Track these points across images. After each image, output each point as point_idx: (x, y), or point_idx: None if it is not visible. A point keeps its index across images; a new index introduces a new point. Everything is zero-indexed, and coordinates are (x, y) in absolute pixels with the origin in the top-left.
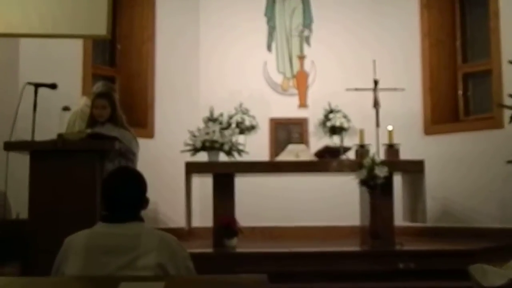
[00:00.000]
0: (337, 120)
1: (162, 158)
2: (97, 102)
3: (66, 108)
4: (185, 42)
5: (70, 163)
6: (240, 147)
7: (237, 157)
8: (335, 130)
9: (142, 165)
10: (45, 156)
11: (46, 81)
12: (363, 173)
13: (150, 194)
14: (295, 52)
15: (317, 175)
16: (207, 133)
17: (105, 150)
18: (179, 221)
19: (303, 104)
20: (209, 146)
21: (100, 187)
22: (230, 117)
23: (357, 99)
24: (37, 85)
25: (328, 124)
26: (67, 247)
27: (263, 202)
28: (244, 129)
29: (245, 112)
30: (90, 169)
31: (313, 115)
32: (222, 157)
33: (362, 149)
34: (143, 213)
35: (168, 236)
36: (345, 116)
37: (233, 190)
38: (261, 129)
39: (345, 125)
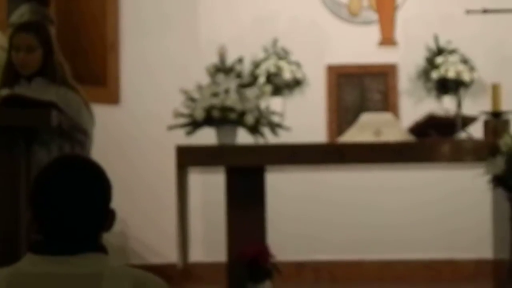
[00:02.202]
0: (450, 68)
1: (133, 140)
2: (18, 40)
3: None
4: None
5: None
6: (275, 119)
7: (269, 137)
8: (447, 86)
9: (101, 152)
10: None
11: None
12: (498, 164)
13: (117, 204)
14: None
15: (414, 168)
16: (215, 94)
17: (35, 127)
18: (167, 254)
19: (388, 40)
20: (219, 117)
21: (27, 193)
22: (256, 65)
23: (487, 30)
24: None
25: (434, 75)
26: None
27: (316, 220)
28: (281, 87)
29: (284, 55)
30: (8, 161)
31: (406, 58)
32: (243, 137)
33: (496, 121)
34: (106, 237)
35: (148, 277)
36: (465, 61)
37: (262, 197)
38: (312, 85)
39: (466, 76)
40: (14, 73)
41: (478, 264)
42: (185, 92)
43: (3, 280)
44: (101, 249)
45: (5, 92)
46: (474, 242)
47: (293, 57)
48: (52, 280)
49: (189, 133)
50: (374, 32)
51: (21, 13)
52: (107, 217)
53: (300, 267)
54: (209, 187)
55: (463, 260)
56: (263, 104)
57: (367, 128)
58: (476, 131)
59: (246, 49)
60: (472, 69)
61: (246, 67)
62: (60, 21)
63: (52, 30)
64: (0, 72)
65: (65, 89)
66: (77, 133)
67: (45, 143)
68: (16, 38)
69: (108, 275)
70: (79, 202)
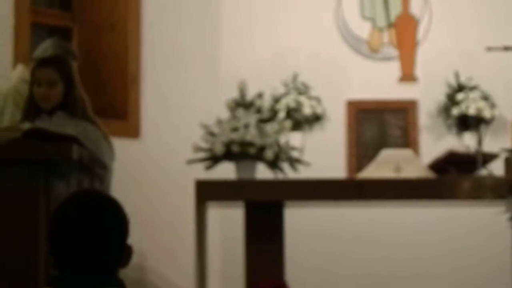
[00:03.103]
0: (470, 105)
1: (153, 174)
2: (40, 74)
3: None
4: None
5: None
6: (295, 154)
7: (288, 173)
8: (468, 123)
9: (120, 186)
10: None
11: None
12: None
13: (134, 239)
14: None
15: (434, 206)
16: (235, 129)
17: (55, 160)
18: None
19: (408, 76)
20: (239, 151)
21: (45, 227)
22: (276, 100)
23: (508, 67)
24: None
25: (455, 111)
26: None
27: (336, 256)
28: (301, 122)
29: (304, 90)
30: (28, 194)
31: (426, 95)
32: (262, 172)
33: None
34: (124, 271)
35: None
36: (486, 98)
37: (281, 233)
38: (331, 121)
39: (486, 113)
40: (35, 107)
41: None
42: (205, 127)
43: None
44: (119, 284)
45: (26, 125)
46: (493, 279)
47: (313, 92)
48: None
49: (208, 167)
50: (394, 68)
51: (45, 48)
52: (124, 253)
53: None
54: (228, 222)
55: None
56: (282, 139)
57: (387, 164)
58: (497, 168)
59: (266, 84)
60: (493, 106)
61: (266, 102)
62: (82, 55)
63: (75, 65)
64: (22, 105)
65: (85, 123)
66: (97, 167)
67: (64, 177)
68: (37, 72)
69: None
70: (96, 238)
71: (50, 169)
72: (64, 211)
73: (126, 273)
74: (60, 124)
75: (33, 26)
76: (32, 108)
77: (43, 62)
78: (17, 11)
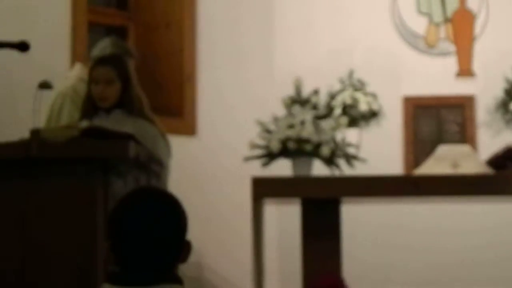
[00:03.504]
0: None
1: (209, 171)
2: (97, 73)
3: (45, 85)
4: None
5: (51, 180)
6: (351, 151)
7: (345, 169)
8: None
9: (177, 183)
10: (10, 169)
11: (11, 38)
12: None
13: (191, 237)
14: None
15: (493, 202)
16: (291, 126)
17: (112, 158)
18: (243, 285)
19: (465, 71)
20: (295, 148)
21: (104, 223)
22: (332, 97)
23: None
24: None
25: None
26: None
27: (394, 253)
28: (357, 118)
29: (360, 87)
30: (86, 192)
31: (484, 90)
32: (318, 169)
33: None
34: (181, 268)
35: None
36: None
37: (338, 229)
38: (388, 117)
39: None
40: (93, 105)
41: None
42: (261, 124)
43: None
44: (177, 280)
45: (84, 124)
46: None
47: (369, 89)
48: None
49: (265, 164)
50: (451, 64)
51: (103, 47)
52: (183, 249)
53: None
54: (285, 219)
55: None
56: (339, 136)
57: (444, 160)
58: None
59: (322, 81)
60: None
61: (322, 99)
62: (138, 53)
63: (132, 63)
64: (80, 104)
65: (142, 121)
66: (154, 164)
67: (121, 174)
68: (95, 71)
69: None
70: (155, 234)
71: (108, 167)
72: (123, 209)
73: (183, 271)
74: (117, 122)
75: (91, 26)
76: (90, 106)
77: (100, 61)
78: (74, 11)
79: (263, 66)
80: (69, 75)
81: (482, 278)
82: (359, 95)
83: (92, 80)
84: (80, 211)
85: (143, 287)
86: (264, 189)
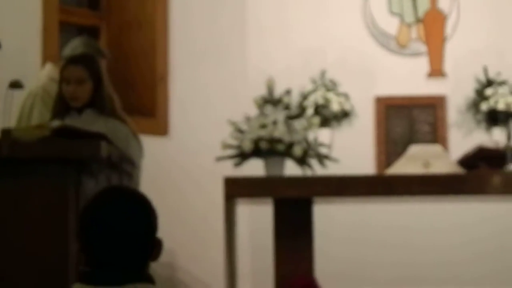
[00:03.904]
0: (500, 100)
1: (181, 171)
2: (69, 72)
3: (15, 85)
4: None
5: (23, 181)
6: (323, 151)
7: (317, 169)
8: (497, 118)
9: (148, 184)
10: None
11: None
12: None
13: (164, 235)
14: None
15: (464, 201)
16: (263, 126)
17: (84, 158)
18: (215, 285)
19: (437, 71)
20: (267, 148)
21: (76, 224)
22: (305, 97)
23: None
24: None
25: (484, 106)
26: None
27: (365, 253)
28: (329, 118)
29: (332, 87)
30: (58, 192)
31: (455, 90)
32: (291, 169)
33: None
34: (153, 268)
35: None
36: None
37: (310, 230)
38: (360, 117)
39: None
40: (64, 105)
41: None
42: (233, 124)
43: None
44: (149, 279)
45: (56, 123)
46: None
47: (341, 89)
48: None
49: (237, 164)
50: (422, 64)
51: (73, 47)
52: (154, 247)
53: None
54: (257, 219)
55: None
56: (311, 136)
57: (416, 160)
58: None
59: (294, 81)
60: None
61: (294, 99)
62: (110, 53)
63: (103, 63)
64: (51, 104)
65: (114, 120)
66: (125, 164)
67: (93, 174)
68: (66, 70)
69: None
70: (126, 233)
71: (80, 166)
72: (92, 208)
73: (155, 271)
74: (89, 122)
75: (62, 25)
76: (61, 106)
77: (72, 60)
78: (45, 10)
79: (236, 66)
80: (40, 75)
81: (453, 276)
82: (331, 95)
83: (63, 79)
84: (51, 211)
85: (115, 287)
86: (236, 189)
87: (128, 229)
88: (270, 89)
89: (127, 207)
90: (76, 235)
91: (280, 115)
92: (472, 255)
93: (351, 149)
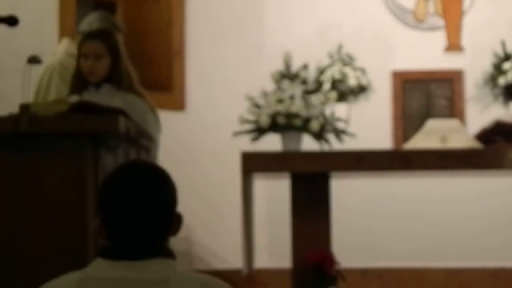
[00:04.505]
0: None
1: (199, 145)
2: (86, 47)
3: (34, 60)
4: None
5: (41, 156)
6: (340, 126)
7: (334, 144)
8: None
9: (166, 158)
10: (1, 145)
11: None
12: None
13: (181, 209)
14: None
15: (481, 176)
16: (280, 100)
17: (102, 133)
18: (232, 259)
19: (454, 45)
20: (284, 123)
21: (95, 198)
22: (321, 72)
23: None
24: None
25: (501, 81)
26: None
27: (381, 227)
28: (346, 93)
29: (348, 61)
30: (76, 167)
31: (473, 65)
32: (308, 144)
33: None
34: (171, 243)
35: (216, 283)
36: None
37: (327, 204)
38: (377, 92)
39: None
40: (82, 80)
41: None
42: (250, 99)
43: (73, 284)
44: (169, 254)
45: (74, 99)
46: None
47: (358, 63)
48: (120, 285)
49: (254, 139)
50: (440, 38)
51: (90, 21)
52: (173, 221)
53: (364, 274)
54: (274, 193)
55: None
56: (328, 111)
57: (433, 135)
58: None
59: (311, 56)
60: None
61: (311, 74)
62: (127, 28)
63: (120, 38)
64: (68, 79)
65: (132, 95)
66: (143, 138)
67: (111, 149)
68: (84, 46)
69: (175, 280)
70: (145, 207)
71: (98, 141)
72: (112, 183)
73: (173, 245)
74: (107, 97)
75: (78, 0)
76: (79, 81)
77: (90, 36)
78: None
79: (252, 42)
80: (56, 50)
81: (466, 247)
82: (348, 70)
83: (81, 54)
84: (70, 186)
85: (135, 261)
86: (253, 164)
87: (148, 203)
88: (287, 63)
89: (147, 182)
90: (97, 210)
91: (297, 90)
92: (487, 227)
93: (368, 124)
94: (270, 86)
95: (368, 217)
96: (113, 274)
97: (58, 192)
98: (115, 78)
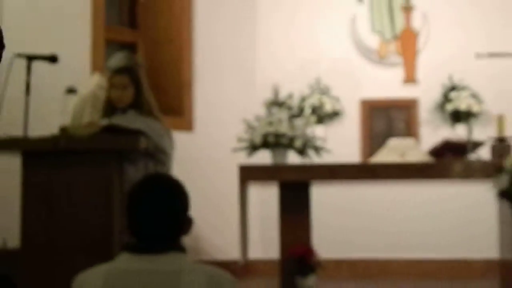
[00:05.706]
0: (462, 102)
1: (205, 160)
2: (116, 80)
3: (71, 90)
4: None
5: (77, 168)
6: (319, 143)
7: (314, 158)
8: (460, 117)
9: (177, 171)
10: (42, 159)
11: (43, 52)
12: (504, 180)
13: (191, 212)
14: (398, 1)
15: (433, 184)
16: (270, 123)
17: (126, 150)
18: (231, 252)
19: (410, 78)
20: (274, 142)
21: (119, 203)
22: (303, 100)
23: (493, 71)
24: (30, 58)
25: (449, 107)
26: None
27: (353, 224)
28: (323, 117)
29: (325, 91)
30: (105, 177)
31: (425, 94)
32: (292, 158)
33: (501, 145)
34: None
35: (220, 273)
36: (474, 96)
37: (308, 206)
38: (348, 116)
39: (475, 108)
40: (111, 107)
41: (486, 264)
42: (246, 122)
43: (101, 275)
44: (182, 249)
45: (104, 122)
46: (484, 245)
47: (333, 93)
48: (142, 275)
49: (249, 154)
50: (399, 72)
51: (117, 59)
52: (186, 223)
53: (339, 263)
54: (266, 198)
55: (475, 259)
56: (309, 131)
57: (394, 151)
58: (484, 153)
59: (295, 87)
60: (480, 102)
61: (295, 101)
62: (146, 64)
63: (142, 72)
64: (99, 106)
65: (151, 119)
66: (159, 153)
67: (133, 162)
68: (113, 79)
69: (187, 271)
70: (164, 212)
71: (122, 156)
72: (138, 192)
73: (183, 240)
74: (131, 120)
75: (107, 42)
76: (109, 107)
77: (118, 70)
78: (94, 30)
79: (247, 76)
80: (88, 83)
81: (423, 242)
82: (324, 98)
83: (111, 85)
84: (99, 193)
85: (154, 254)
86: (249, 175)
87: (166, 209)
88: (276, 93)
89: (166, 191)
90: (124, 214)
91: (284, 114)
92: (439, 225)
93: (341, 142)
94: (262, 111)
95: (342, 217)
96: (135, 266)
97: (89, 198)
98: (138, 104)
